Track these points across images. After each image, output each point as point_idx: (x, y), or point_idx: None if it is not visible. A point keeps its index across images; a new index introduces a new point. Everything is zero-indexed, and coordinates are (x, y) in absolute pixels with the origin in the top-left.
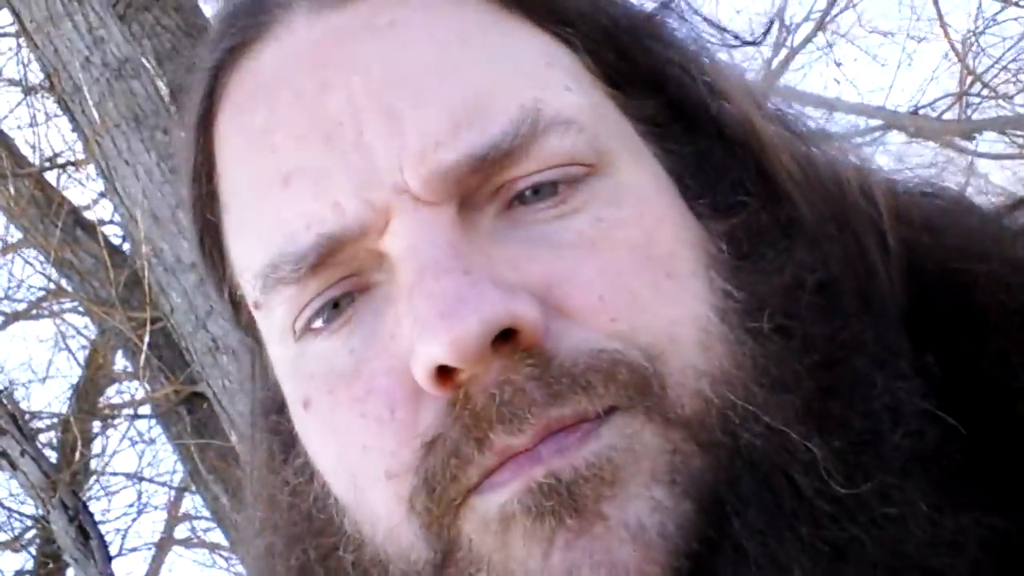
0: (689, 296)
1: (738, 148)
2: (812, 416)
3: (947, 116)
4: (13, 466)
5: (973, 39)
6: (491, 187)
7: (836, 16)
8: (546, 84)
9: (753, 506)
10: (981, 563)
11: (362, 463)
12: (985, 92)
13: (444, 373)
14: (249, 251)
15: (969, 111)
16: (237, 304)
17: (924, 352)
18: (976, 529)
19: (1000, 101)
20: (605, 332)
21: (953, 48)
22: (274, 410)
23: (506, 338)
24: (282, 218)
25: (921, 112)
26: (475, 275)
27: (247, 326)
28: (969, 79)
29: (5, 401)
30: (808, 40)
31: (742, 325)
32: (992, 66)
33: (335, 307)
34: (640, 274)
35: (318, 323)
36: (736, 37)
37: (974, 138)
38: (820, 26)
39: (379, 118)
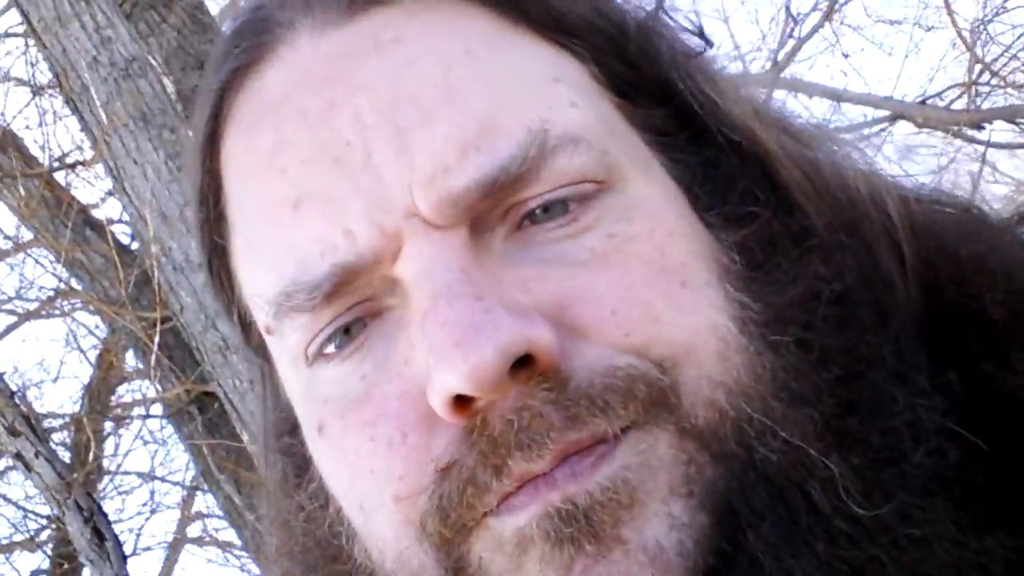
0: (705, 305)
1: (745, 157)
2: (831, 432)
3: (956, 106)
4: (28, 467)
5: (981, 27)
6: (501, 209)
7: (843, 6)
8: (552, 101)
9: (768, 520)
10: None
11: (370, 487)
12: (994, 81)
13: (461, 401)
14: (260, 276)
15: (978, 100)
16: (247, 326)
17: (944, 368)
18: (1001, 551)
19: (1009, 90)
20: (619, 348)
21: (961, 37)
22: (286, 431)
23: (523, 363)
24: (294, 244)
25: (929, 102)
26: (488, 301)
27: (258, 347)
28: (978, 68)
29: (19, 402)
30: (815, 30)
31: (761, 336)
32: (1001, 54)
33: (347, 332)
34: (653, 285)
35: (330, 348)
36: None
37: (983, 127)
38: (827, 16)
39: (387, 138)
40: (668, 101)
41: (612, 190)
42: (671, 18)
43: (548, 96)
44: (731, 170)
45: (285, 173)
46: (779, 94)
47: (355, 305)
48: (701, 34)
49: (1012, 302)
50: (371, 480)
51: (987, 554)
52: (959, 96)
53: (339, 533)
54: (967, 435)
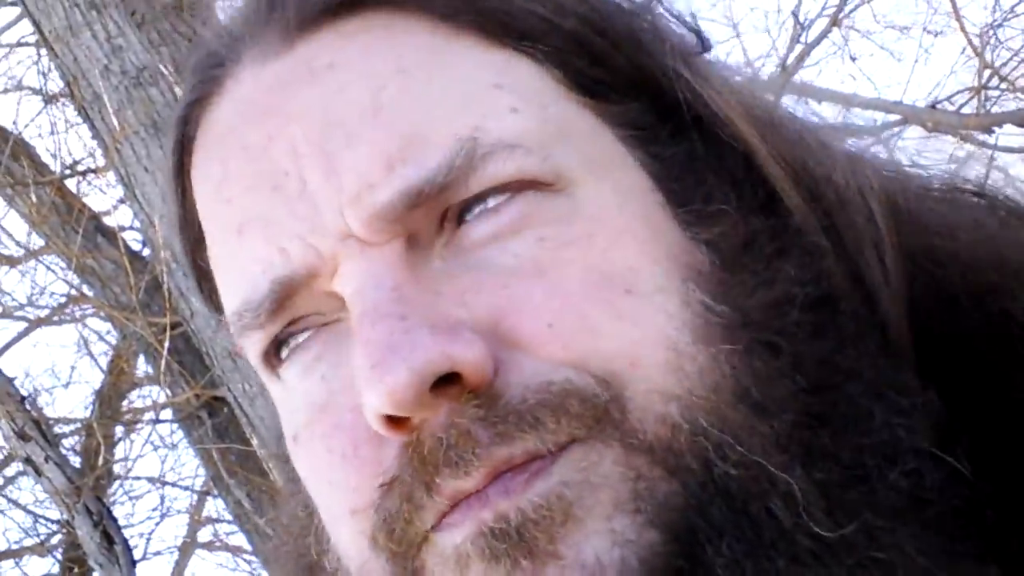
0: (653, 313)
1: (728, 152)
2: (796, 445)
3: (965, 110)
4: (38, 472)
5: (991, 32)
6: (437, 219)
7: (850, 12)
8: (489, 109)
9: (728, 536)
10: None
11: (331, 498)
12: (1004, 86)
13: (394, 418)
14: (225, 299)
15: (988, 105)
16: None
17: (933, 385)
18: None
19: (1019, 94)
20: (557, 361)
21: (970, 41)
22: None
23: (452, 380)
24: (242, 267)
25: (939, 106)
26: (411, 320)
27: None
28: (987, 72)
29: (29, 407)
30: (823, 36)
31: (723, 342)
32: (1011, 59)
33: (300, 343)
34: (593, 295)
35: (284, 353)
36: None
37: (993, 132)
38: (834, 21)
39: (318, 164)
40: (649, 94)
41: (554, 193)
42: (659, 11)
43: (485, 104)
44: (713, 165)
45: (231, 203)
46: (788, 99)
47: (302, 318)
48: (691, 27)
49: (1010, 317)
50: (331, 491)
51: None
52: (968, 100)
53: (320, 541)
54: (951, 461)
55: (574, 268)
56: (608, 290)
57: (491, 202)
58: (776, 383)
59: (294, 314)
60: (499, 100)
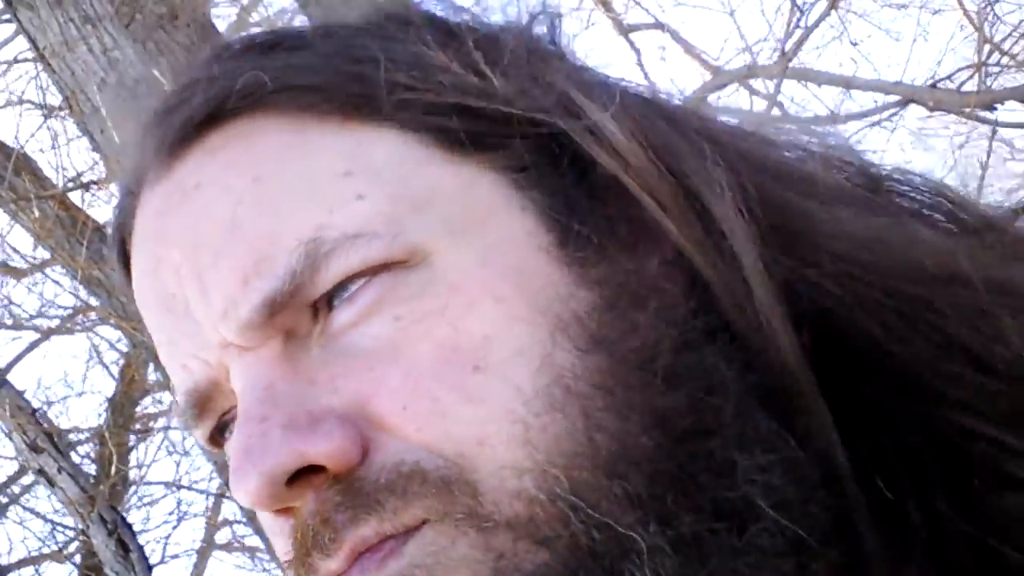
0: (502, 389)
1: (607, 183)
2: (650, 502)
3: (966, 87)
4: (51, 483)
5: (989, 7)
6: (309, 311)
7: None
8: (335, 201)
9: None
10: None
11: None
12: (1004, 61)
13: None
14: None
15: (989, 81)
16: None
17: (826, 418)
18: None
19: (1021, 69)
20: (413, 442)
21: (969, 17)
22: None
23: (317, 470)
24: (170, 376)
25: (939, 84)
26: (270, 421)
27: None
28: (987, 48)
29: (40, 419)
30: (821, 19)
31: (585, 400)
32: (1010, 34)
33: (222, 429)
34: (442, 375)
35: (227, 435)
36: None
37: (995, 108)
38: (832, 4)
39: (194, 285)
40: (533, 133)
41: (408, 270)
42: (537, 43)
43: (331, 196)
44: (598, 198)
45: (147, 322)
46: (789, 84)
47: (227, 411)
48: (564, 51)
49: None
50: (278, 547)
51: None
52: (969, 78)
53: None
54: (817, 512)
55: (426, 346)
56: (457, 368)
57: (351, 287)
58: (635, 441)
59: (220, 409)
60: (346, 189)
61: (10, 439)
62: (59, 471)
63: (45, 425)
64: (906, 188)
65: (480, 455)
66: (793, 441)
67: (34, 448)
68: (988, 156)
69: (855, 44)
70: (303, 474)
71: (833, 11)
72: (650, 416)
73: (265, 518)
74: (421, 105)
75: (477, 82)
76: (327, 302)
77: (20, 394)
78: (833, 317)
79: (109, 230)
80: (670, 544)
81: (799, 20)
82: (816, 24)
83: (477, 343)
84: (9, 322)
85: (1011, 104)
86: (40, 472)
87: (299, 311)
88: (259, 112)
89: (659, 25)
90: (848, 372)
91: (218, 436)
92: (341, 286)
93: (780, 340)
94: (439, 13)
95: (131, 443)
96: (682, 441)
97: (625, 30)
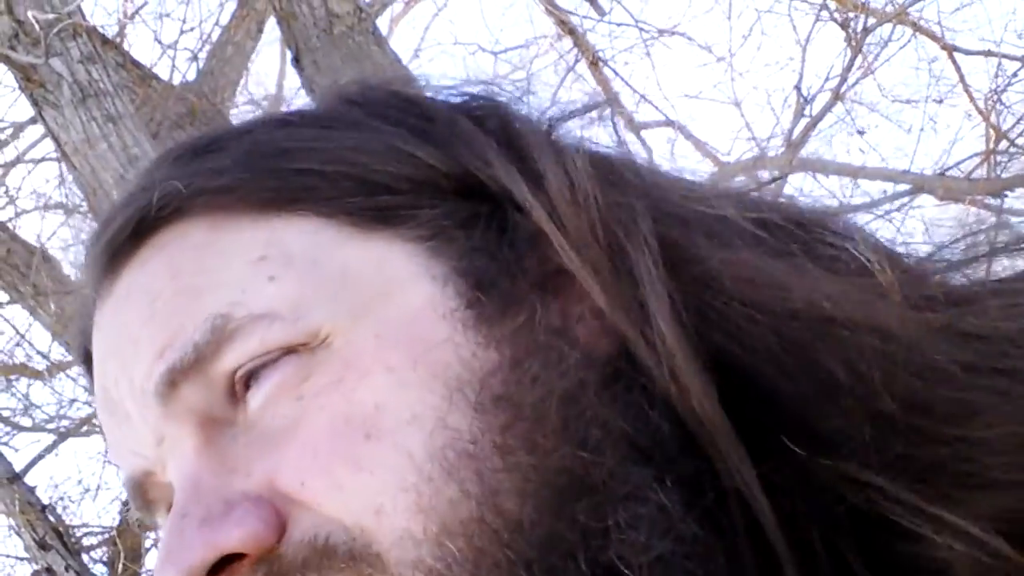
0: (394, 457)
1: (538, 239)
2: (538, 568)
3: (975, 175)
4: None
5: (995, 96)
6: (224, 394)
7: (853, 85)
8: (249, 283)
9: None
10: None
11: None
12: (1012, 149)
13: None
14: None
15: (997, 170)
16: None
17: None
18: None
19: None
20: (320, 516)
21: (976, 107)
22: None
23: (239, 557)
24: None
25: (948, 173)
26: (188, 518)
27: None
28: (995, 137)
29: (51, 516)
30: (827, 109)
31: (481, 459)
32: (1017, 123)
33: None
34: (335, 447)
35: None
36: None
37: (1005, 195)
38: (836, 95)
39: (124, 384)
40: (451, 196)
41: (311, 352)
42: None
43: (245, 279)
44: (520, 245)
45: (103, 428)
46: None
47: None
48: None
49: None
50: None
51: None
52: (978, 166)
53: None
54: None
55: (321, 419)
56: (349, 438)
57: (262, 373)
58: (526, 502)
59: (167, 500)
60: (259, 272)
61: (19, 536)
62: (67, 569)
63: (54, 521)
64: (833, 238)
65: (380, 526)
66: (662, 492)
67: (42, 545)
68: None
69: (862, 132)
70: (225, 563)
71: (839, 102)
72: (541, 474)
73: None
74: (329, 190)
75: (393, 154)
76: (245, 387)
77: (31, 490)
78: (735, 358)
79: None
80: None
81: (804, 110)
82: (822, 114)
83: (368, 412)
84: (28, 424)
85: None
86: (48, 571)
87: (208, 389)
88: (177, 220)
89: (669, 123)
90: (755, 415)
91: None
92: (252, 372)
93: (691, 381)
94: (403, 91)
95: (147, 545)
96: (566, 501)
97: (637, 128)
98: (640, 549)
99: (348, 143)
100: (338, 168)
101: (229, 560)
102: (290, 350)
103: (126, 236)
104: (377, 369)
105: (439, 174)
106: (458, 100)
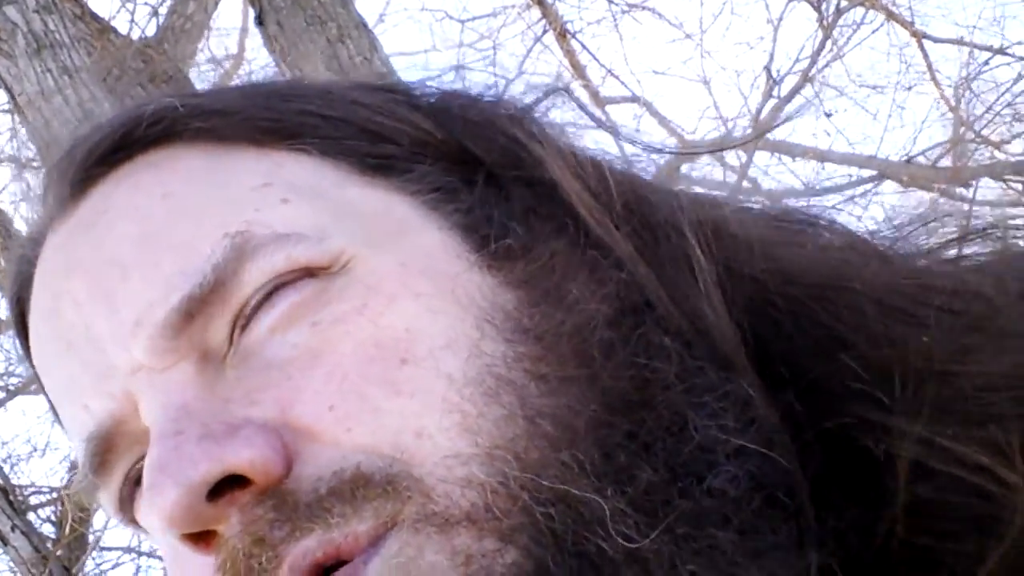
0: (433, 379)
1: (535, 187)
2: (603, 466)
3: (941, 164)
4: (4, 541)
5: (965, 85)
6: (227, 330)
7: (822, 69)
8: (260, 203)
9: None
10: None
11: None
12: (978, 139)
13: (198, 536)
14: None
15: (964, 158)
16: None
17: (767, 386)
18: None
19: (994, 149)
20: (346, 447)
21: (944, 97)
22: None
23: (242, 484)
24: (70, 437)
25: (914, 160)
26: (184, 434)
27: None
28: (962, 127)
29: None
30: (795, 91)
31: (520, 385)
32: (984, 112)
33: (137, 482)
34: (367, 370)
35: (136, 501)
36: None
37: (971, 185)
38: (805, 78)
39: (99, 307)
40: (450, 155)
41: (330, 276)
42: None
43: (255, 200)
44: (523, 203)
45: (49, 375)
46: (762, 156)
47: (138, 460)
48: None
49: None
50: None
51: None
52: (944, 155)
53: None
54: (775, 457)
55: (347, 345)
56: (382, 363)
57: (277, 295)
58: (578, 417)
59: (129, 458)
60: (269, 195)
61: None
62: (12, 529)
63: (0, 480)
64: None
65: (421, 448)
66: (745, 385)
67: None
68: (967, 229)
69: (829, 115)
70: (224, 489)
71: (807, 84)
72: (592, 392)
73: (177, 557)
74: (330, 132)
75: (389, 111)
76: (246, 323)
77: None
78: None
79: (6, 308)
80: (631, 505)
81: (772, 90)
82: (791, 96)
83: (400, 336)
84: None
85: (986, 182)
86: None
87: (216, 320)
88: (167, 144)
89: (635, 98)
90: (773, 359)
91: (128, 500)
92: (268, 296)
93: (720, 322)
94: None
95: (95, 506)
96: (628, 408)
97: (602, 103)
98: (721, 438)
99: (349, 97)
100: (338, 113)
101: (230, 487)
102: (311, 272)
103: (105, 150)
104: (405, 295)
105: (435, 139)
106: (440, 92)
